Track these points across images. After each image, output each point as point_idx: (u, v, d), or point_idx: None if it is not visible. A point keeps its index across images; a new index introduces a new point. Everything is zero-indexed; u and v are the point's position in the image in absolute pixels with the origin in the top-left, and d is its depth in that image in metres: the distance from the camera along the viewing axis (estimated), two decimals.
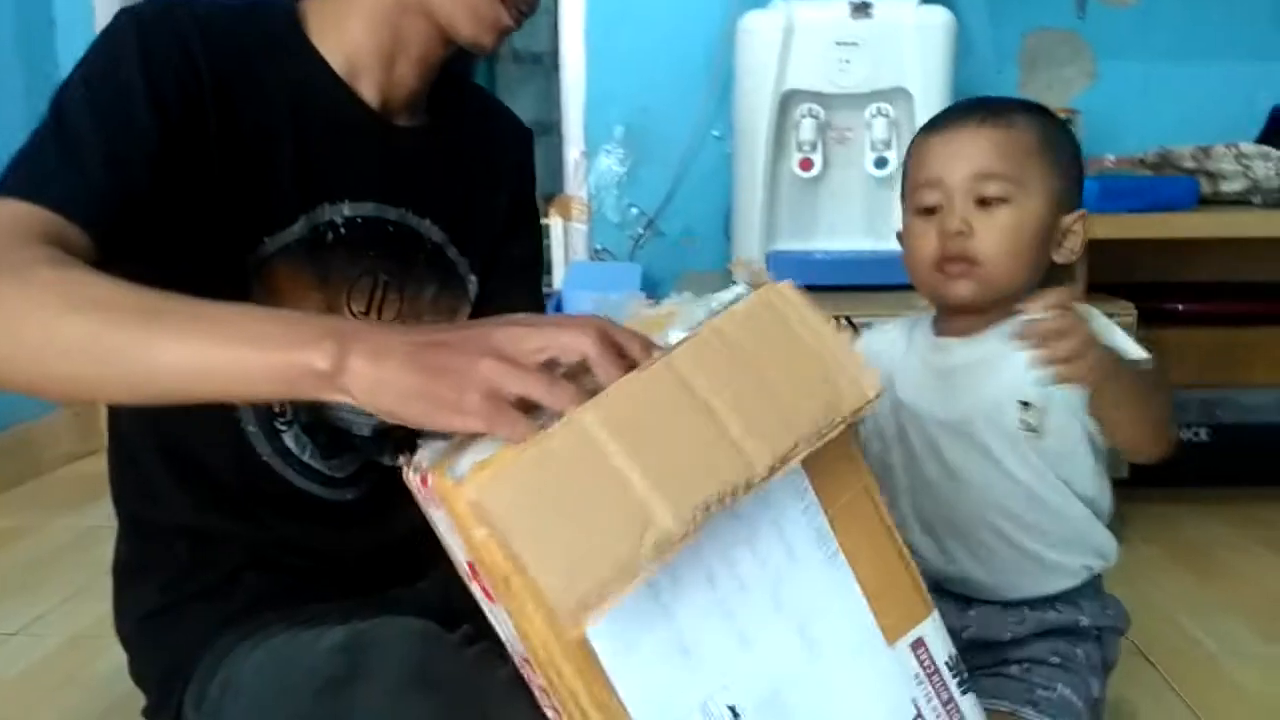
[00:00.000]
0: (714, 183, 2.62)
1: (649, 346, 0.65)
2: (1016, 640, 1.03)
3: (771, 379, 0.64)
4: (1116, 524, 2.03)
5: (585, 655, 0.62)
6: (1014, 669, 1.02)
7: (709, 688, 0.66)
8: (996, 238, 0.96)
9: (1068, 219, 1.00)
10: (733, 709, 0.67)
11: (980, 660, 1.00)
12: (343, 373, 0.65)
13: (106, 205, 0.78)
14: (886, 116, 2.13)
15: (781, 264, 2.21)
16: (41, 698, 1.44)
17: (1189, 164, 2.28)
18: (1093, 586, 1.06)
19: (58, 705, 1.42)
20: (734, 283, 0.71)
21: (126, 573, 1.01)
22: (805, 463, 0.66)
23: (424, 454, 0.67)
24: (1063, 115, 2.24)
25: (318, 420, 0.96)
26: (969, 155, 0.97)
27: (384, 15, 0.94)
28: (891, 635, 0.74)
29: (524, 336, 0.65)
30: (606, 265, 2.70)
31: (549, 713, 0.69)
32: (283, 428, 0.94)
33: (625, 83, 2.60)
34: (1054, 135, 1.01)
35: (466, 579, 0.68)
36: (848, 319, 1.95)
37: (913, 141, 1.05)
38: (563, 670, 0.62)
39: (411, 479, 0.67)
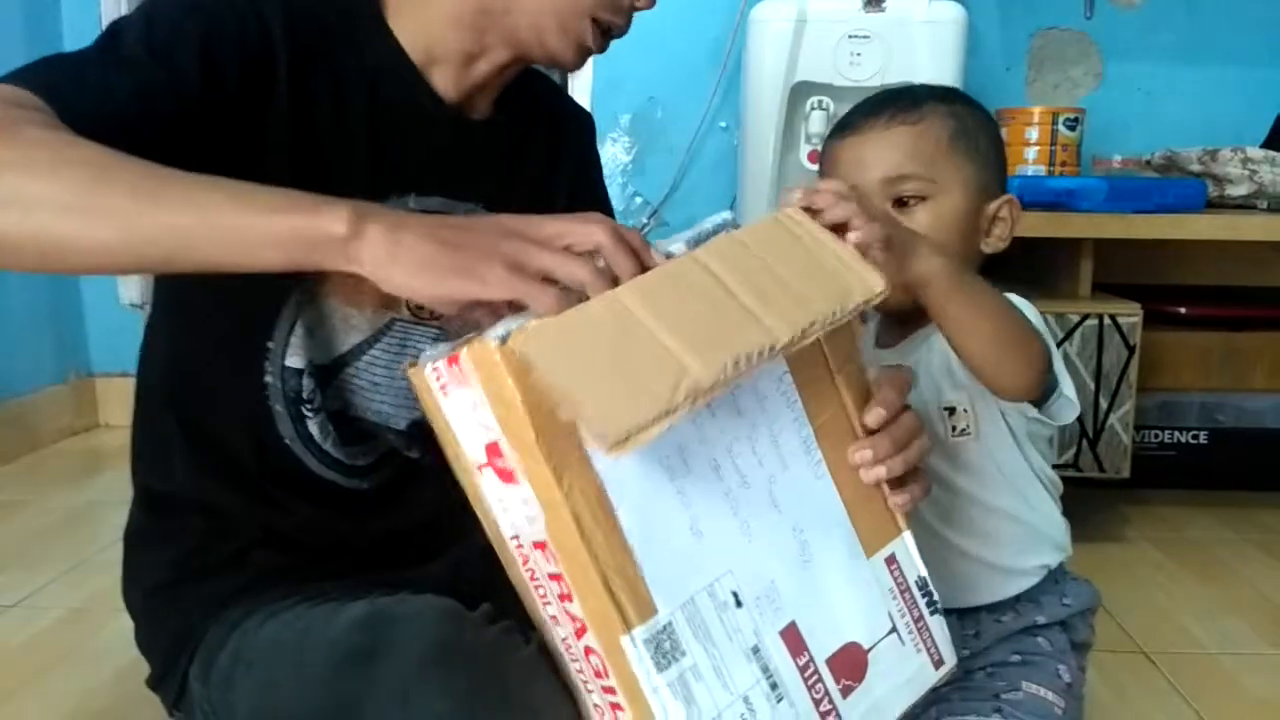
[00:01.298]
0: (719, 173, 2.62)
1: (649, 247, 0.69)
2: (975, 652, 1.02)
3: (786, 272, 0.69)
4: (1118, 524, 2.05)
5: (612, 523, 0.64)
6: (978, 676, 1.00)
7: (715, 571, 0.69)
8: None
9: (992, 206, 0.98)
10: (735, 595, 0.69)
11: None
12: (359, 239, 0.65)
13: (121, 128, 0.74)
14: None
15: None
16: (41, 670, 1.43)
17: (1195, 167, 2.29)
18: (1050, 579, 1.03)
19: (58, 677, 1.42)
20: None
21: (138, 544, 1.01)
22: (794, 376, 0.74)
23: (430, 353, 0.68)
24: (1070, 115, 2.26)
25: (344, 411, 0.96)
26: (879, 158, 0.95)
27: (470, 18, 0.92)
28: (869, 549, 0.78)
29: (540, 223, 0.68)
30: None
31: (550, 610, 0.69)
32: (309, 414, 0.94)
33: (632, 71, 2.59)
34: (968, 124, 0.98)
35: (472, 474, 0.68)
36: None
37: (824, 144, 1.03)
38: (591, 535, 0.63)
39: (425, 372, 0.67)
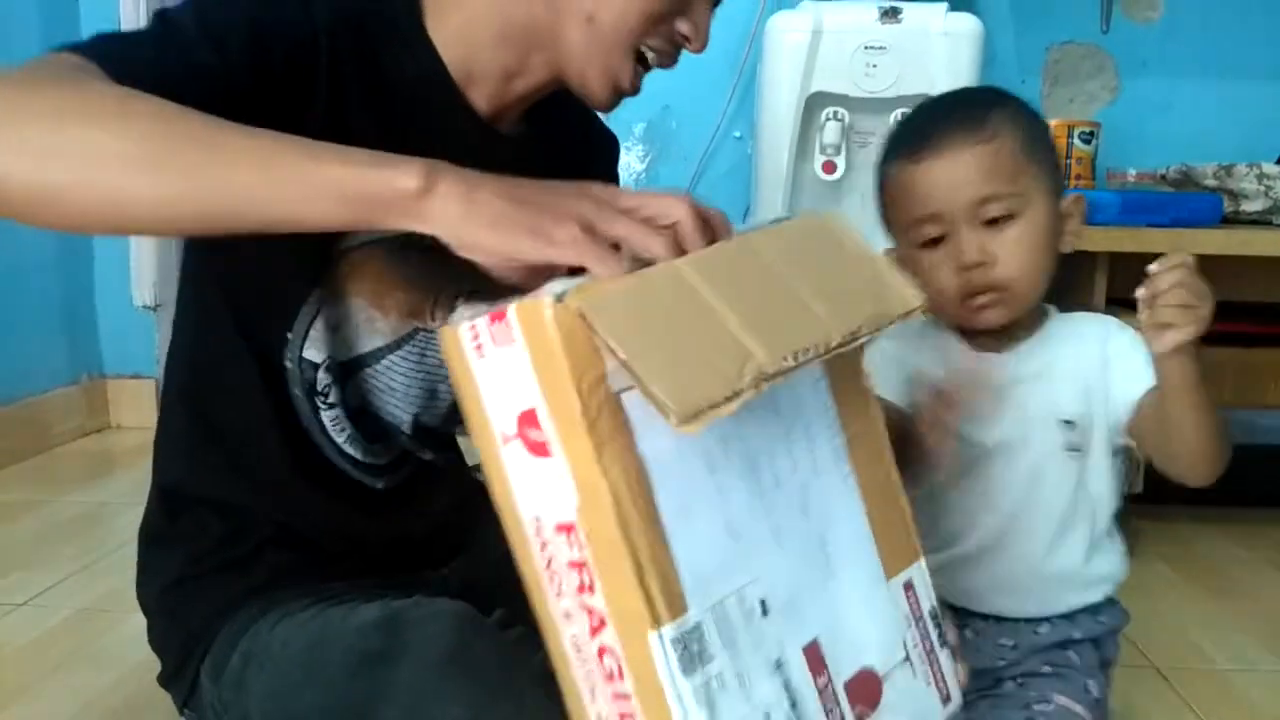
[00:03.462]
0: (733, 182, 2.63)
1: (729, 226, 0.68)
2: (1010, 663, 1.01)
3: (834, 274, 0.69)
4: (1130, 539, 2.03)
5: (651, 508, 0.60)
6: (1008, 685, 1.01)
7: (747, 575, 0.65)
8: (1017, 258, 0.93)
9: (1064, 205, 0.97)
10: (763, 603, 0.66)
11: (976, 683, 0.99)
12: (432, 194, 0.65)
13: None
14: None
15: None
16: (51, 668, 1.44)
17: (1210, 182, 2.28)
18: None
19: (67, 676, 1.42)
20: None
21: (154, 541, 1.01)
22: (830, 382, 0.72)
23: (466, 312, 0.63)
24: (1085, 128, 2.26)
25: (360, 405, 0.96)
26: (963, 181, 0.93)
27: (515, 38, 0.91)
28: (889, 571, 0.76)
29: (619, 194, 0.67)
30: None
31: (564, 604, 0.64)
32: (324, 406, 0.94)
33: (647, 79, 2.59)
34: (1033, 130, 0.97)
35: (495, 447, 0.63)
36: None
37: (886, 169, 0.99)
38: (629, 519, 0.59)
39: (460, 330, 0.63)
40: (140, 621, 1.01)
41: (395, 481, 1.00)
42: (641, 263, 0.63)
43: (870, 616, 0.73)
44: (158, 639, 1.00)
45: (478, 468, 0.93)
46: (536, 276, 0.65)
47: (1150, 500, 2.02)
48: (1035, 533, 0.98)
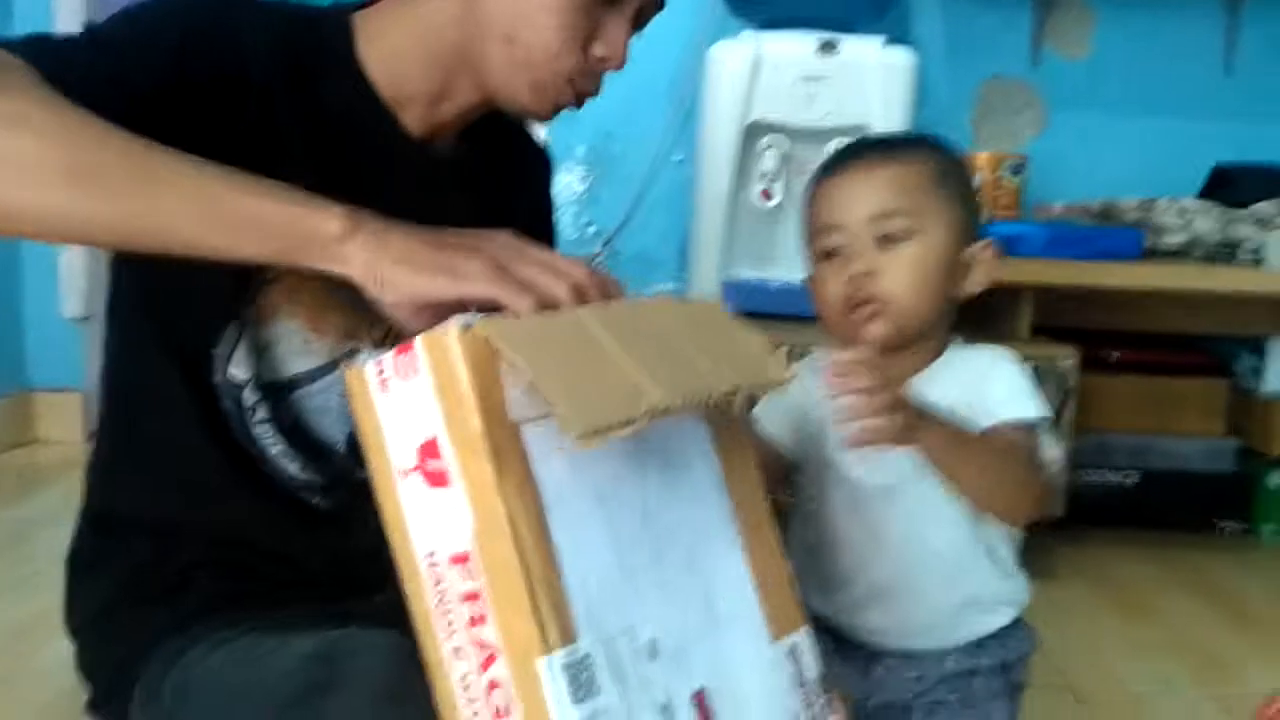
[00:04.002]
0: (672, 206, 2.66)
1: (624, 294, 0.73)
2: (916, 694, 1.04)
3: (717, 342, 0.73)
4: (1050, 562, 2.09)
5: (545, 535, 0.63)
6: (916, 716, 1.02)
7: (637, 615, 0.67)
8: (902, 274, 0.95)
9: (972, 249, 0.99)
10: (653, 644, 0.67)
11: (886, 716, 1.01)
12: (351, 238, 0.69)
13: (98, 104, 0.75)
14: None
15: (738, 291, 2.24)
16: None
17: (1133, 216, 2.37)
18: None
19: None
20: None
21: (82, 567, 1.00)
22: (717, 444, 0.76)
23: (372, 354, 0.66)
24: (1014, 161, 2.32)
25: (294, 425, 0.96)
26: (866, 195, 0.96)
27: (441, 62, 0.93)
28: (775, 633, 0.78)
29: (526, 247, 0.72)
30: None
31: (455, 642, 0.65)
32: (255, 423, 0.94)
33: (590, 102, 2.62)
34: (949, 167, 1.00)
35: (393, 483, 0.66)
36: (805, 353, 1.98)
37: (809, 186, 1.03)
38: (524, 543, 0.61)
39: (365, 368, 0.65)
40: (67, 645, 1.00)
41: (332, 502, 1.00)
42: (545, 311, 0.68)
43: (757, 676, 0.75)
44: (86, 665, 0.99)
45: None
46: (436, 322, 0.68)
47: (1071, 524, 2.09)
48: (930, 567, 0.99)
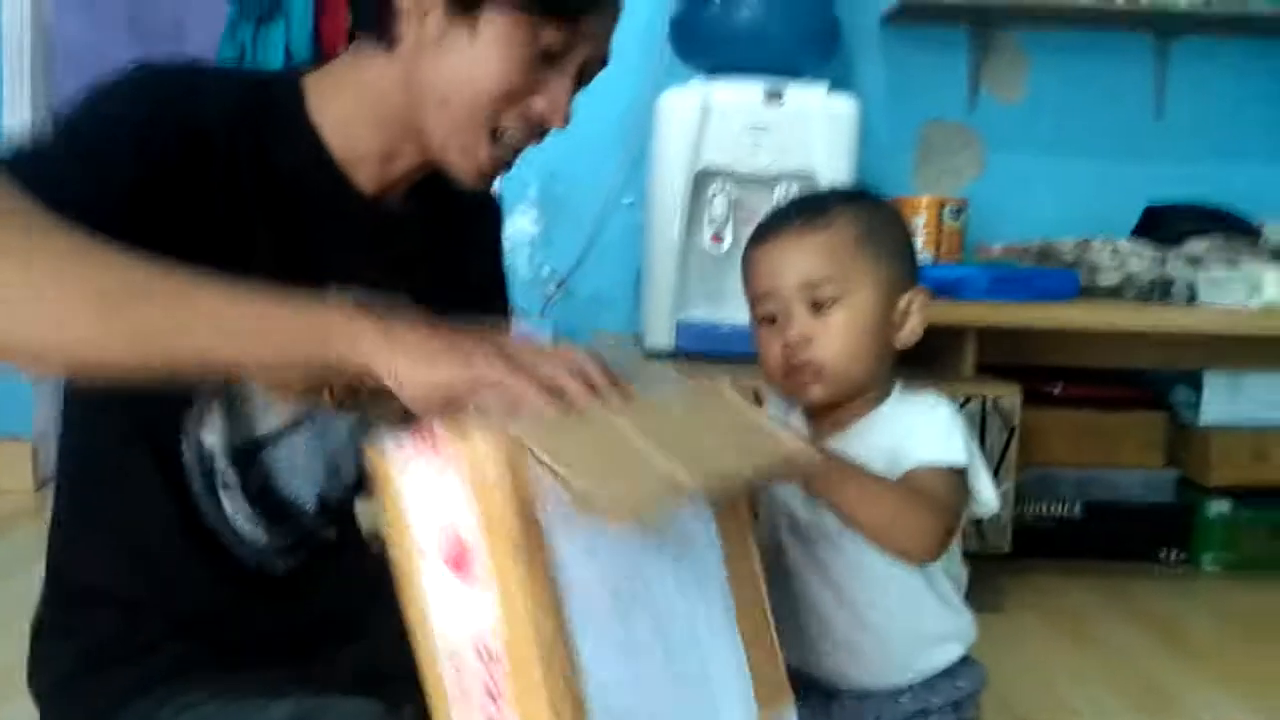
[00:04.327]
0: (625, 247, 2.70)
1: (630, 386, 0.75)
2: None
3: (727, 427, 0.77)
4: (999, 595, 2.14)
5: (567, 633, 0.65)
6: None
7: (645, 710, 0.70)
8: (835, 340, 0.99)
9: (903, 301, 1.03)
10: None
11: None
12: (365, 335, 0.71)
13: (77, 211, 0.76)
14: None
15: (690, 333, 2.28)
16: None
17: (1069, 256, 2.45)
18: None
19: None
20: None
21: (46, 635, 1.00)
22: (718, 524, 0.77)
23: (393, 435, 0.68)
24: (954, 205, 2.39)
25: (262, 488, 0.98)
26: (794, 263, 1.00)
27: (387, 124, 0.94)
28: (764, 710, 0.80)
29: (539, 347, 0.75)
30: (517, 322, 2.73)
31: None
32: (223, 491, 0.96)
33: (541, 146, 2.66)
34: (875, 224, 1.03)
35: (414, 563, 0.67)
36: (755, 393, 2.03)
37: (744, 251, 1.07)
38: (546, 640, 0.63)
39: (389, 449, 0.67)
40: (28, 706, 0.99)
41: (293, 563, 1.01)
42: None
43: None
44: None
45: (376, 538, 0.97)
46: (451, 410, 0.70)
47: (1016, 556, 2.14)
48: (875, 606, 1.03)
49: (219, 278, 0.73)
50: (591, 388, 0.72)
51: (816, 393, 1.01)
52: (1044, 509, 2.39)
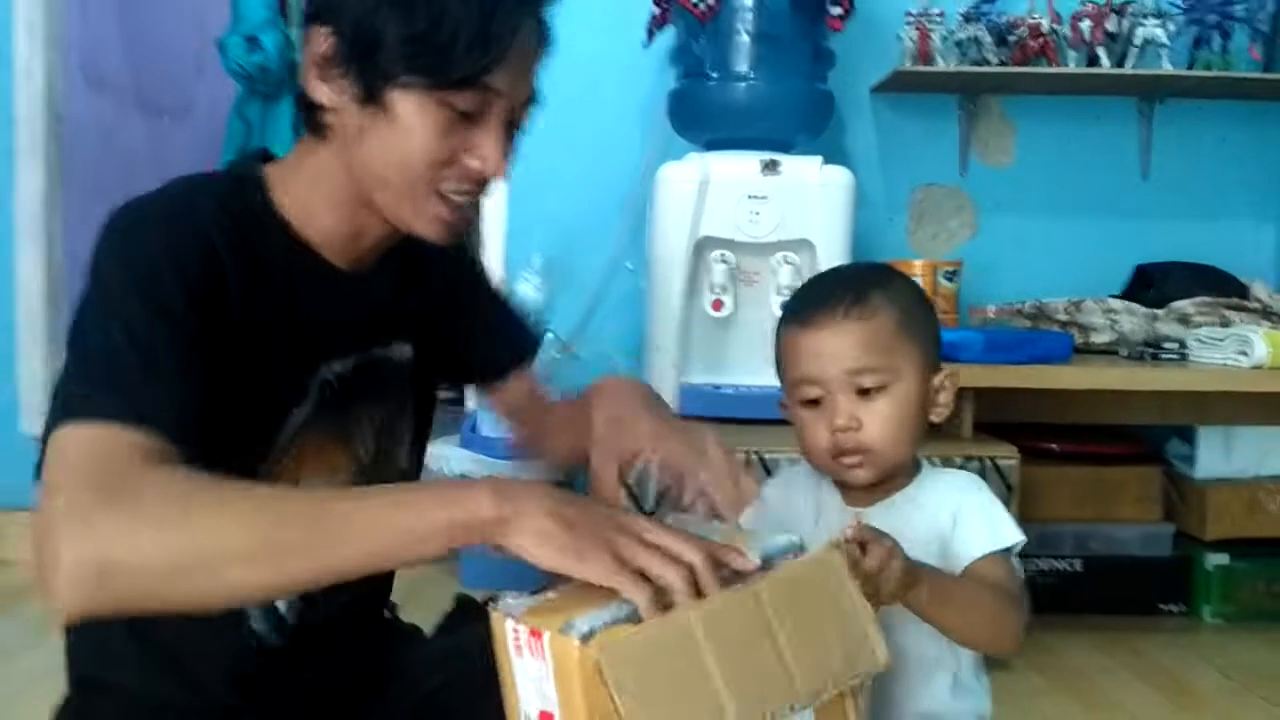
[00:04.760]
0: (626, 313, 2.75)
1: (744, 558, 0.77)
2: None
3: (818, 622, 0.78)
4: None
5: None
6: None
7: None
8: (882, 426, 1.03)
9: (937, 380, 1.07)
10: None
11: None
12: (505, 518, 0.75)
13: (187, 414, 0.82)
14: (792, 264, 2.30)
15: (693, 397, 2.33)
16: None
17: (1062, 316, 2.51)
18: None
19: None
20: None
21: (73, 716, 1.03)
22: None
23: (511, 603, 0.75)
24: (948, 268, 2.45)
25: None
26: (840, 353, 1.03)
27: (346, 204, 0.97)
28: None
29: (646, 529, 0.76)
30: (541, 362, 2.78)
31: None
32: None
33: (544, 216, 2.73)
34: (910, 307, 1.06)
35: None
36: (758, 455, 2.07)
37: (781, 330, 1.09)
38: None
39: (505, 624, 0.74)
40: None
41: (298, 639, 1.03)
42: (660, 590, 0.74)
43: None
44: None
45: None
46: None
47: None
48: (898, 679, 1.07)
49: (360, 491, 0.79)
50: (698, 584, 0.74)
51: (863, 476, 1.05)
52: (1045, 564, 2.43)
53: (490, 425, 2.40)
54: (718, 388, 2.37)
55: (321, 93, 0.91)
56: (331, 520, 0.75)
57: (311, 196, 0.97)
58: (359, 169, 0.93)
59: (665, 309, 2.37)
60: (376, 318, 1.05)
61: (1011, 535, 1.03)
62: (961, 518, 1.04)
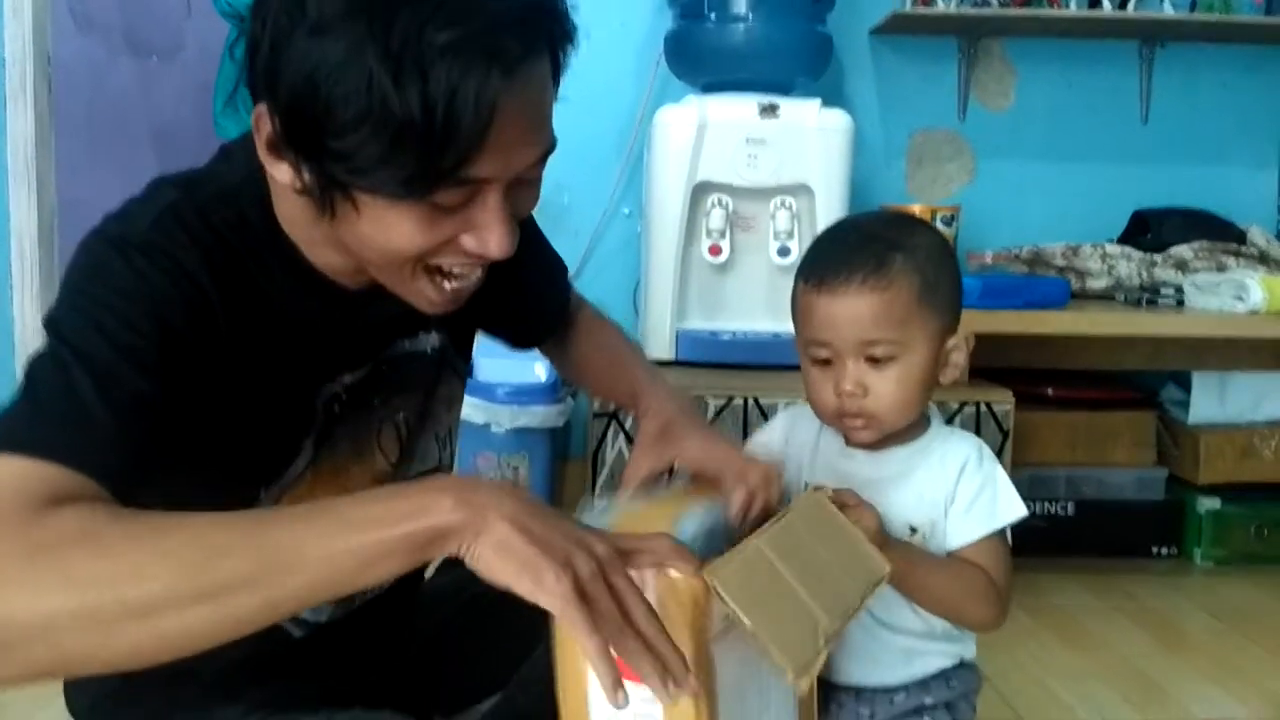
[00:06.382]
0: (623, 257, 2.74)
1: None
2: None
3: (837, 550, 0.86)
4: None
5: None
6: None
7: None
8: (890, 393, 1.02)
9: (951, 341, 1.06)
10: None
11: None
12: (467, 525, 0.68)
13: (120, 452, 0.73)
14: (789, 209, 2.28)
15: (690, 342, 2.33)
16: None
17: (1059, 262, 2.50)
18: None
19: None
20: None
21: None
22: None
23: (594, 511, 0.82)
24: (946, 213, 2.44)
25: None
26: (854, 321, 1.02)
27: (347, 252, 0.87)
28: None
29: (617, 560, 0.72)
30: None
31: None
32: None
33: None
34: (931, 277, 1.04)
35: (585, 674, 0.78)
36: (755, 400, 2.08)
37: (798, 284, 1.07)
38: None
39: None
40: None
41: (331, 614, 1.03)
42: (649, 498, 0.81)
43: None
44: None
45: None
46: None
47: (1013, 554, 2.19)
48: (877, 612, 1.08)
49: (305, 508, 0.71)
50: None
51: (866, 437, 1.05)
52: (1037, 507, 2.45)
53: (489, 371, 2.40)
54: (714, 333, 2.37)
55: (280, 171, 0.79)
56: (277, 548, 0.66)
57: (311, 234, 0.88)
58: (348, 241, 0.83)
59: (662, 254, 2.35)
60: (396, 322, 1.00)
61: (1009, 513, 1.04)
62: (958, 498, 1.04)
